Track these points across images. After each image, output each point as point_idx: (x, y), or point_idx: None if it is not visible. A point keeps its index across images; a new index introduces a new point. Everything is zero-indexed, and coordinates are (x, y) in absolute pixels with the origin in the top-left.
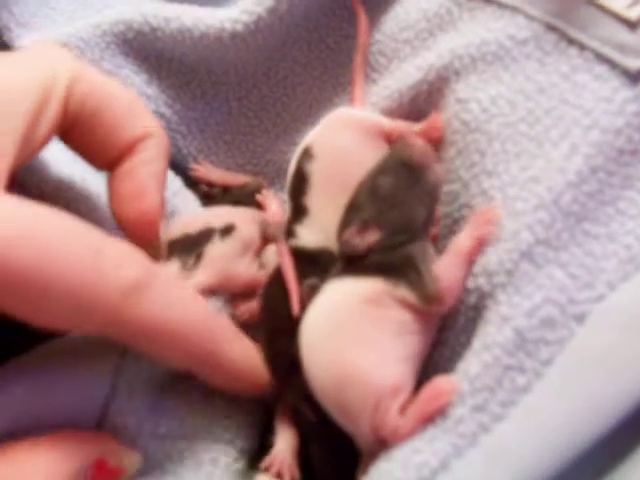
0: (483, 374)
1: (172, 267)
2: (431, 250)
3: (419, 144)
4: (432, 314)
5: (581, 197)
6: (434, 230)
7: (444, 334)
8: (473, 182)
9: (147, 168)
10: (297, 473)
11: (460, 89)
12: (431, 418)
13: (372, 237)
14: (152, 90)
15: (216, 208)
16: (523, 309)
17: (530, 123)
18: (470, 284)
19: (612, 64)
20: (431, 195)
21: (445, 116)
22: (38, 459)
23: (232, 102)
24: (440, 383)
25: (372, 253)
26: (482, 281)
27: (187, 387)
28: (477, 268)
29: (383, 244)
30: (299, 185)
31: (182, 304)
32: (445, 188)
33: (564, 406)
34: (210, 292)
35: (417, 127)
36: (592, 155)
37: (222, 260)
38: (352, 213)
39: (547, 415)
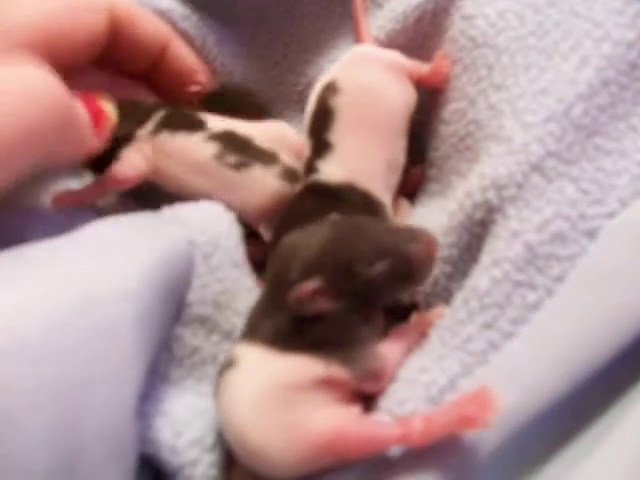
0: (492, 290)
1: (208, 149)
2: (378, 330)
3: (429, 242)
4: (361, 391)
5: (592, 110)
6: (418, 172)
7: (447, 251)
8: (480, 97)
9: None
10: None
11: (466, 5)
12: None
13: (324, 305)
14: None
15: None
16: (533, 224)
17: (539, 36)
18: (478, 197)
19: None
20: (411, 294)
21: (450, 34)
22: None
23: (244, 32)
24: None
25: (315, 322)
26: (491, 194)
27: None
28: (486, 181)
29: (333, 316)
30: (322, 120)
31: None
32: (451, 106)
33: (576, 324)
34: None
35: (426, 67)
36: (603, 67)
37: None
38: (323, 270)
39: (558, 333)
